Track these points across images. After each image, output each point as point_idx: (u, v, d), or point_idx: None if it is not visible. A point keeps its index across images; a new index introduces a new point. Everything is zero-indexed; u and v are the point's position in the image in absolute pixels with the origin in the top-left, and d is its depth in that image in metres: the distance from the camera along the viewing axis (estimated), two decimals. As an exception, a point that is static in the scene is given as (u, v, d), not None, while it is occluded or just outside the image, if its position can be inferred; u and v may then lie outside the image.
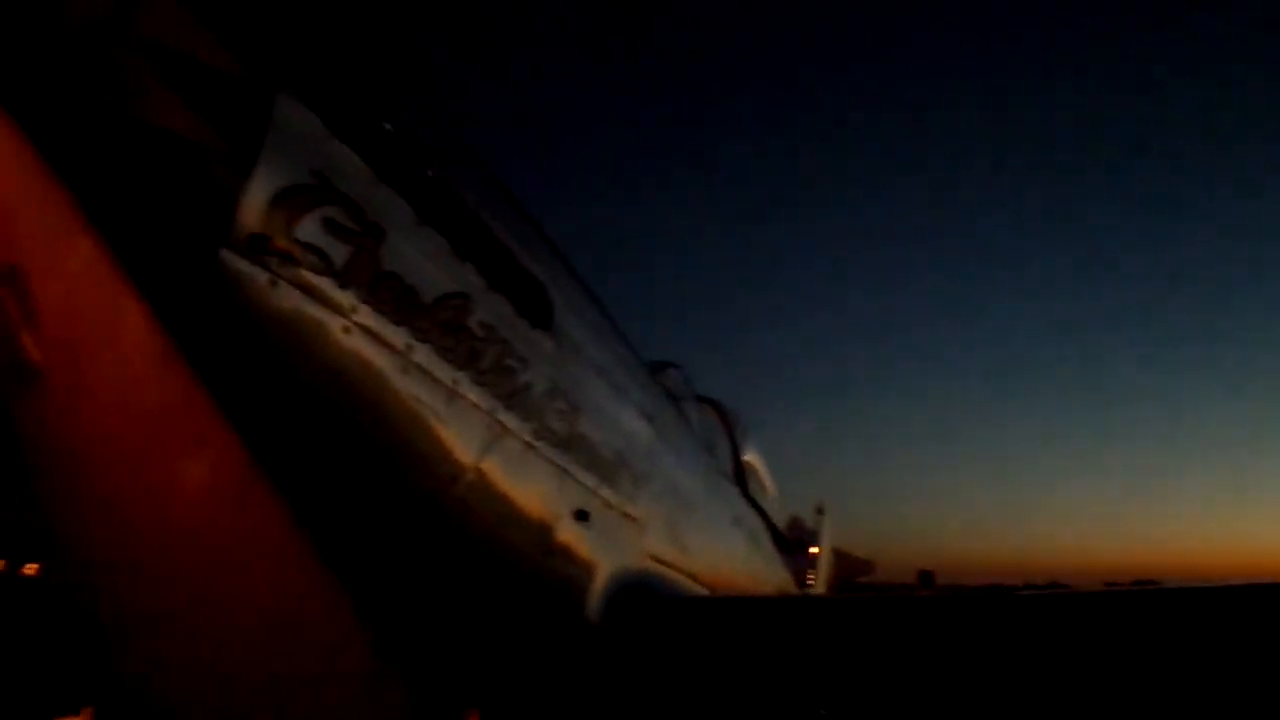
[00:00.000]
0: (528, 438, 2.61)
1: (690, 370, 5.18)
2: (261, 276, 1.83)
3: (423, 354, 2.20)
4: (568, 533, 2.88)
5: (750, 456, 5.81)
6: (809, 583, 8.92)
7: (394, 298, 2.11)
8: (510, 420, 2.53)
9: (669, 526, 3.78)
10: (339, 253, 1.97)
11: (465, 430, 2.36)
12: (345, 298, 1.99)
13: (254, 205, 1.80)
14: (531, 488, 2.67)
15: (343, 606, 1.59)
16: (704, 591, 4.22)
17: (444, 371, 2.27)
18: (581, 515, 2.94)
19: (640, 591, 3.41)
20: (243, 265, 1.80)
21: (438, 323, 2.24)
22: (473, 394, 2.38)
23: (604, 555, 3.13)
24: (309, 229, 1.90)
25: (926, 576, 22.37)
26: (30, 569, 4.60)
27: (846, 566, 12.13)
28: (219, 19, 1.76)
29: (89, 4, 1.59)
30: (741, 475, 5.62)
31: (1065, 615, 3.43)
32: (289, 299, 1.88)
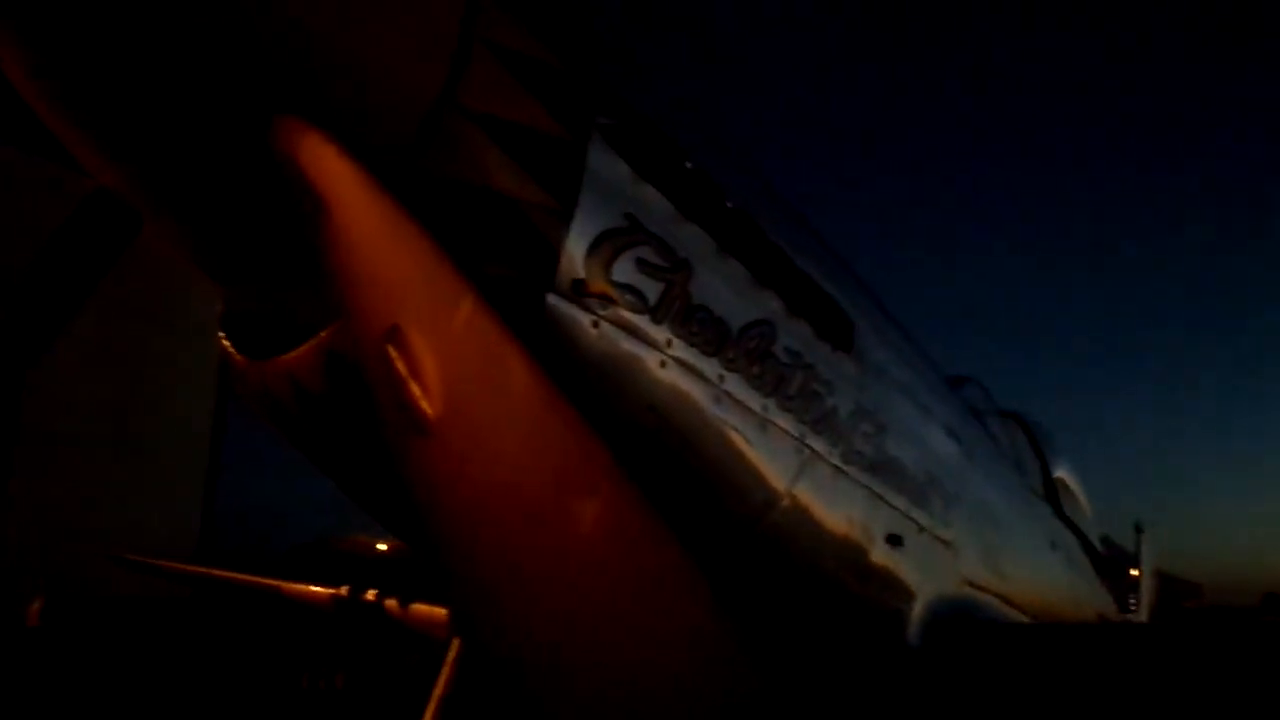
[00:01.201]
0: (837, 462, 2.59)
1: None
2: (585, 318, 1.94)
3: (734, 383, 2.24)
4: (881, 557, 2.82)
5: (1063, 473, 5.44)
6: (1131, 607, 8.21)
7: (704, 329, 2.16)
8: (819, 445, 2.51)
9: (983, 549, 3.61)
10: (652, 290, 2.05)
11: (777, 457, 2.38)
12: (660, 333, 2.07)
13: (574, 252, 1.91)
14: (844, 512, 2.63)
15: (737, 639, 1.63)
16: (1022, 617, 4.00)
17: (754, 399, 2.30)
18: (894, 539, 2.87)
19: (958, 618, 3.28)
20: (567, 309, 1.92)
21: (745, 351, 2.27)
22: (782, 420, 2.39)
23: (919, 580, 3.04)
24: (624, 270, 2.00)
25: (1274, 599, 19.89)
26: (370, 595, 5.14)
27: (1170, 590, 11.15)
28: (535, 79, 1.89)
29: (424, 80, 1.74)
30: (1054, 493, 5.26)
31: None
32: (610, 338, 1.98)
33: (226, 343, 2.16)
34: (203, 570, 7.53)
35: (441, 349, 1.37)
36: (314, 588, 5.38)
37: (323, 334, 1.85)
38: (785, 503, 2.41)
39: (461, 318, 1.38)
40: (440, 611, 4.30)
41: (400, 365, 1.34)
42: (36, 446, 11.19)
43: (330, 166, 1.45)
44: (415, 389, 1.33)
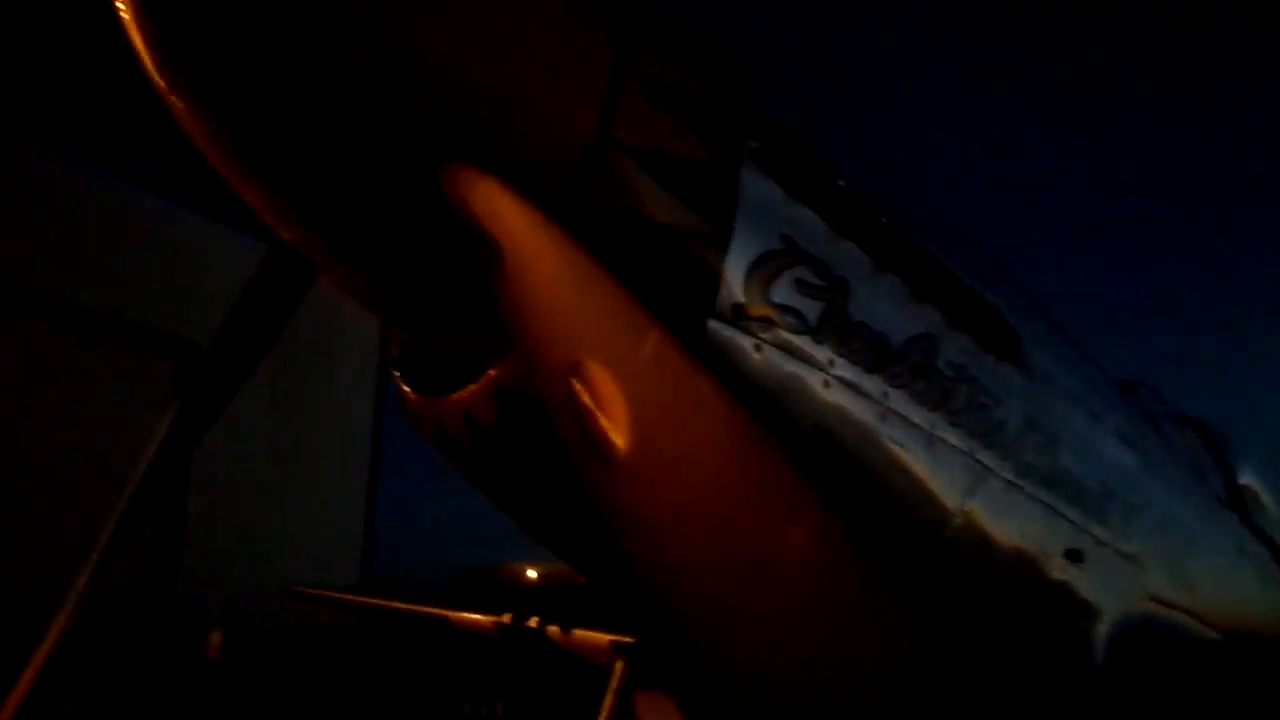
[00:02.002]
0: (1009, 476, 2.50)
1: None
2: (747, 342, 1.95)
3: (898, 399, 2.20)
4: (1061, 573, 2.70)
5: (1248, 480, 5.09)
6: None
7: (865, 347, 2.13)
8: (990, 459, 2.43)
9: (1168, 563, 3.41)
10: (812, 310, 2.04)
11: (948, 473, 2.32)
12: (823, 353, 2.05)
13: (733, 276, 1.93)
14: (1019, 528, 2.54)
15: (936, 658, 1.60)
16: (1212, 634, 3.76)
17: (920, 415, 2.25)
18: (1073, 554, 2.75)
19: (1144, 635, 3.11)
20: (729, 334, 1.93)
21: (908, 367, 2.23)
22: (950, 435, 2.33)
23: (1102, 597, 2.89)
24: (783, 291, 2.00)
25: None
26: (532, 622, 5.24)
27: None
28: (684, 108, 1.92)
29: (580, 120, 1.79)
30: (1241, 501, 4.93)
31: None
32: (773, 360, 1.98)
33: (401, 382, 2.26)
34: (371, 600, 7.84)
35: (628, 381, 1.40)
36: (477, 615, 5.53)
37: (494, 370, 1.92)
38: (958, 520, 2.34)
39: (648, 349, 1.41)
40: (602, 637, 4.34)
41: (585, 398, 1.38)
42: (208, 488, 11.91)
43: (503, 209, 1.50)
44: (603, 421, 1.36)
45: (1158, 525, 3.37)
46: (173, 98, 1.61)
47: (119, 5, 1.50)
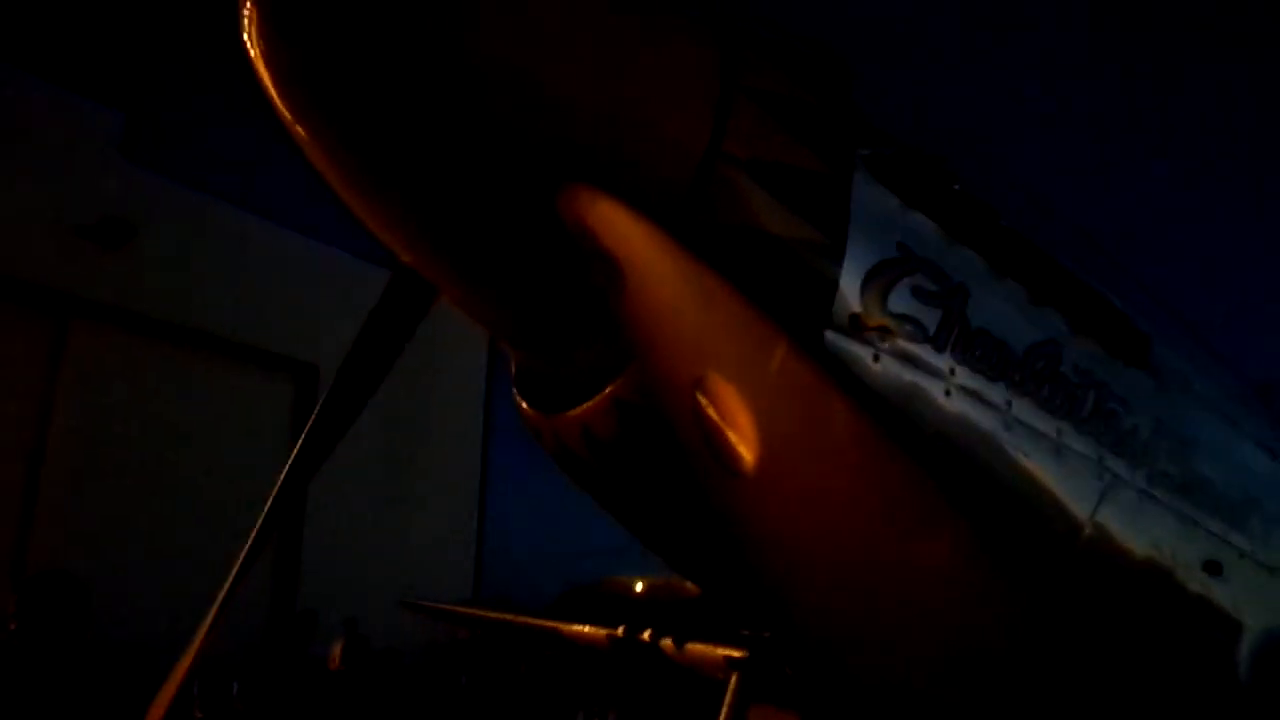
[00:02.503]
0: (1142, 484, 2.41)
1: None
2: (865, 353, 1.93)
3: (1023, 407, 2.15)
4: (1199, 587, 2.58)
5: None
6: None
7: (987, 354, 2.09)
8: (1121, 467, 2.35)
9: None
10: (930, 318, 2.01)
11: (1076, 483, 2.24)
12: (943, 361, 2.02)
13: (849, 286, 1.91)
14: (1153, 539, 2.44)
15: (1080, 679, 1.57)
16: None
17: (1046, 423, 2.19)
18: (1212, 566, 2.62)
19: (1293, 652, 2.94)
20: (847, 344, 1.91)
21: (1032, 374, 2.17)
22: (1078, 444, 2.25)
23: (1244, 610, 2.75)
24: (900, 300, 1.97)
25: None
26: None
27: None
28: (795, 119, 1.92)
29: (693, 135, 1.81)
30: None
31: None
32: (892, 370, 1.96)
33: (520, 399, 2.31)
34: (486, 614, 7.98)
35: (755, 394, 1.40)
36: (590, 628, 5.57)
37: (612, 385, 1.94)
38: (1089, 531, 2.26)
39: (775, 362, 1.42)
40: (717, 651, 4.32)
41: (712, 412, 1.39)
42: (326, 505, 12.33)
43: (621, 227, 1.53)
44: (731, 435, 1.37)
45: None
46: (298, 128, 1.69)
47: (246, 40, 1.59)
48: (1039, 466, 2.17)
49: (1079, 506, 2.25)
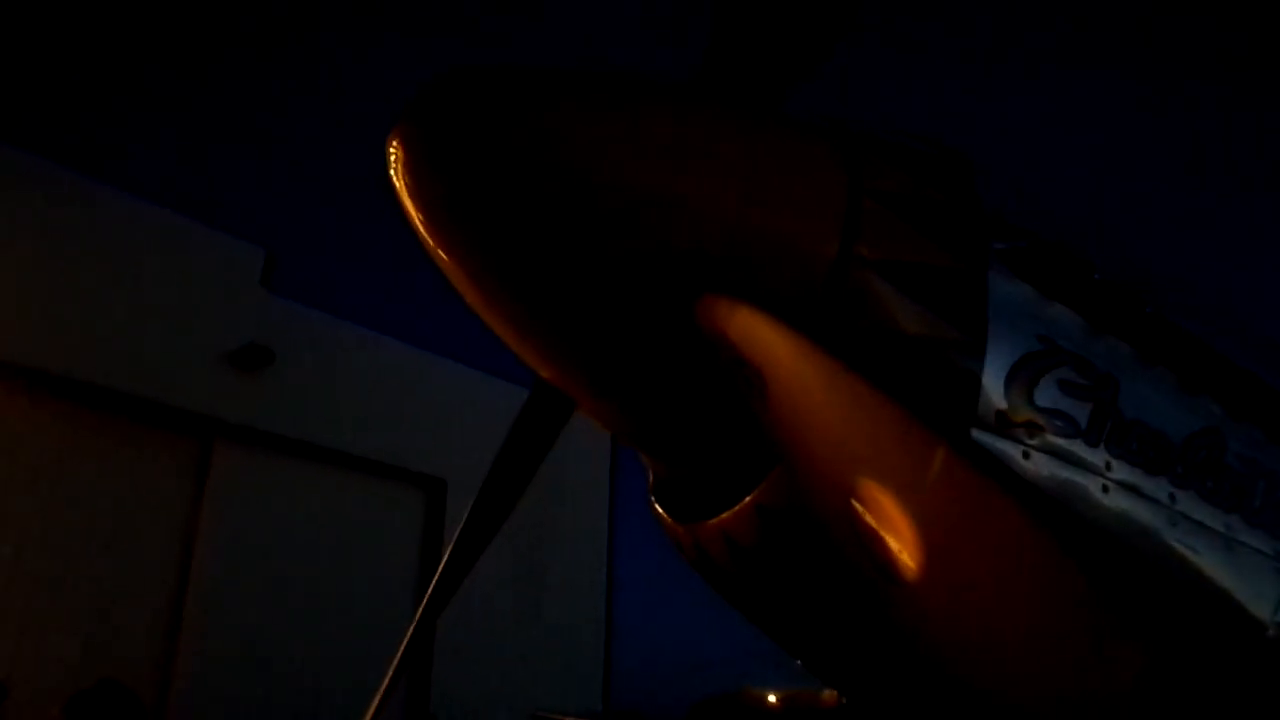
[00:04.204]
0: None
1: None
2: (1014, 450, 1.87)
3: (1188, 501, 2.03)
4: None
5: None
6: None
7: (1144, 447, 2.00)
8: None
9: None
10: (1080, 412, 1.94)
11: (1254, 580, 2.10)
12: (1098, 456, 1.94)
13: (992, 383, 1.87)
14: None
15: None
16: None
17: (1215, 517, 2.07)
18: None
19: None
20: (994, 442, 1.85)
21: (1194, 465, 2.07)
22: (1251, 539, 2.11)
23: None
24: (1047, 394, 1.91)
25: None
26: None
27: None
28: (923, 217, 1.92)
29: (823, 241, 1.83)
30: None
31: None
32: (1045, 467, 1.89)
33: (659, 509, 2.31)
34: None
35: (914, 499, 1.37)
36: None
37: (754, 492, 1.93)
38: (1272, 634, 2.10)
39: (933, 466, 1.39)
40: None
41: (870, 519, 1.36)
42: (455, 616, 12.40)
43: (761, 335, 1.54)
44: (891, 542, 1.34)
45: None
46: (442, 253, 1.77)
47: (393, 174, 1.69)
48: (1211, 564, 2.05)
49: (1259, 605, 2.09)
